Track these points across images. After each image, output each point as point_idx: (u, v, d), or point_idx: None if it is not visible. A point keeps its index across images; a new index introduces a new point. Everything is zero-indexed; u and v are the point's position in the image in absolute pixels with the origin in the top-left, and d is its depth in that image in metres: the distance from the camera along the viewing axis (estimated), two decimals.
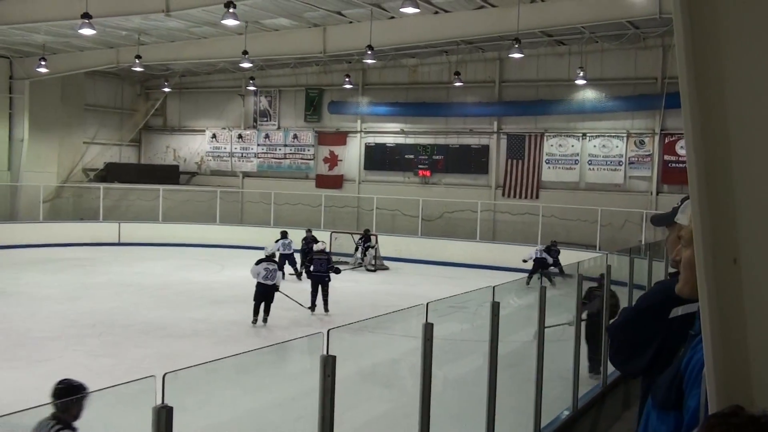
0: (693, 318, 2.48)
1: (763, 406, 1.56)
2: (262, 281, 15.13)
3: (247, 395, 5.49)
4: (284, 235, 22.01)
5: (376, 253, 24.48)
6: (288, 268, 20.89)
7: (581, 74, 24.50)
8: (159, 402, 3.05)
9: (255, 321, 14.96)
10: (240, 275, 21.89)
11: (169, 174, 32.67)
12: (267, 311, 15.05)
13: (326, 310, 16.40)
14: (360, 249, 24.52)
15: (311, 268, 17.21)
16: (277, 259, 18.32)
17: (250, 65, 26.63)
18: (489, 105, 27.69)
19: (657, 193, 24.79)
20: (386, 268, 24.25)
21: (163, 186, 30.32)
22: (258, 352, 3.84)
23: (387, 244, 25.09)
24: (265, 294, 15.08)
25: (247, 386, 5.45)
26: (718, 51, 1.46)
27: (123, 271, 21.68)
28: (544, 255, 21.22)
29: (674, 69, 19.72)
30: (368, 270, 23.90)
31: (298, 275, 20.88)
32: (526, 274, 17.75)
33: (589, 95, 25.87)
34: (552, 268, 20.37)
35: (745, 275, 1.57)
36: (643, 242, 22.91)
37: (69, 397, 5.00)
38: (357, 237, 25.13)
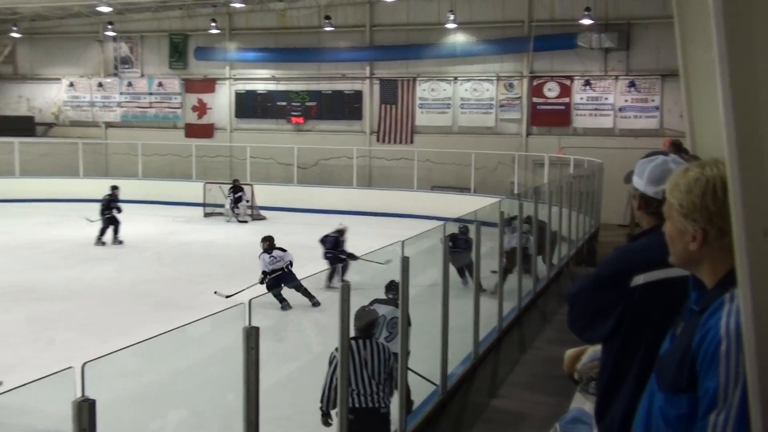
0: (659, 286, 2.41)
1: None
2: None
3: (150, 365, 5.15)
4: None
5: (251, 203, 23.91)
6: None
7: (451, 18, 24.59)
8: (78, 394, 2.74)
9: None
10: (110, 230, 20.89)
11: (24, 125, 30.55)
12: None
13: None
14: (230, 200, 23.80)
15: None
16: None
17: (108, 9, 25.16)
18: (361, 50, 27.36)
19: (527, 135, 25.42)
20: (263, 218, 23.80)
21: (17, 138, 28.30)
22: (181, 330, 3.55)
23: (263, 194, 24.57)
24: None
25: (149, 355, 5.10)
26: (752, 31, 1.39)
27: None
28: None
29: (540, 13, 19.91)
30: (240, 221, 23.30)
31: None
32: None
33: (459, 39, 25.99)
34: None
35: None
36: (515, 184, 23.55)
37: None
38: (227, 188, 24.31)
